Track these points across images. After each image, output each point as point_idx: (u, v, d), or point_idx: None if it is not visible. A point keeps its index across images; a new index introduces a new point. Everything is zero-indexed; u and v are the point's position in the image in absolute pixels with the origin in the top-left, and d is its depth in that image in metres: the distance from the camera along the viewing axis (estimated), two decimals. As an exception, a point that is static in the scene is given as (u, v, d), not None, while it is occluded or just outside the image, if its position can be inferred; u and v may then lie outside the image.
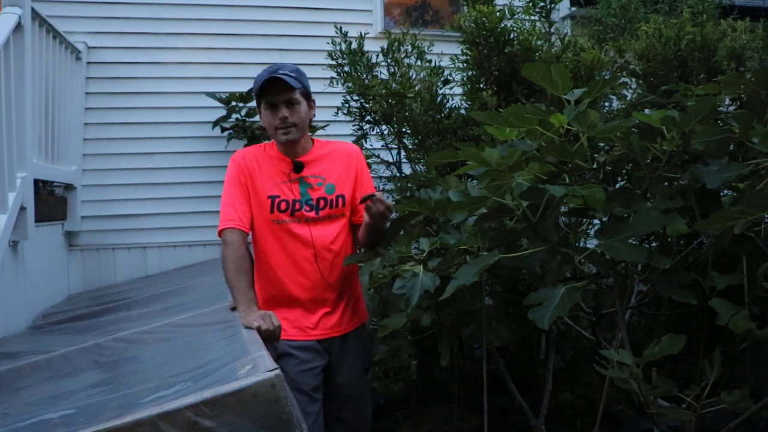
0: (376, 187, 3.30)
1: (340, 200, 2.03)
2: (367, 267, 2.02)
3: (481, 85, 2.89)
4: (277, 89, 1.94)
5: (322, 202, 2.01)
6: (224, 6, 4.05)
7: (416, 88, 2.96)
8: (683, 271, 1.66)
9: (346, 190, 2.04)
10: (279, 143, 2.02)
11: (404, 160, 3.34)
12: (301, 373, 1.94)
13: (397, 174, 3.39)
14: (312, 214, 1.99)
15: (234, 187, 2.00)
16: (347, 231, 2.07)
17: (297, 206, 1.99)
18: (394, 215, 1.97)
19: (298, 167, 2.01)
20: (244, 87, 3.76)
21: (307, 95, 2.02)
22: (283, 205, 1.98)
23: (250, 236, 2.02)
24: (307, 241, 1.98)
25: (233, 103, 3.81)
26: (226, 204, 1.99)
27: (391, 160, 3.44)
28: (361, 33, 3.31)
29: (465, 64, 2.95)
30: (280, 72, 1.94)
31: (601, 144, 2.02)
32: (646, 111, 1.63)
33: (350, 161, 2.08)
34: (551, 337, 2.52)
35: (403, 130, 3.07)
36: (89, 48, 3.82)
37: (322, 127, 3.60)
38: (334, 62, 3.33)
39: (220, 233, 1.97)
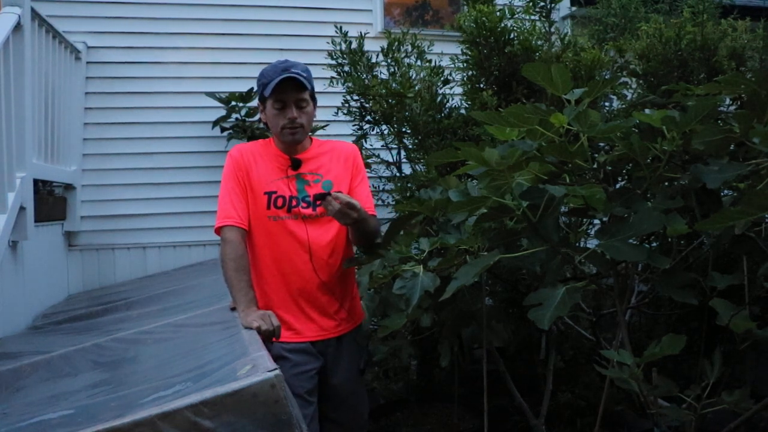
0: (375, 187, 3.30)
1: None
2: (367, 267, 2.02)
3: (481, 85, 2.89)
4: (290, 88, 1.92)
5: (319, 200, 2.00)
6: (224, 6, 4.05)
7: (416, 88, 2.97)
8: (683, 271, 1.66)
9: (344, 187, 2.01)
10: (281, 141, 2.01)
11: (404, 160, 3.34)
12: (296, 376, 1.91)
13: (397, 174, 3.39)
14: (308, 210, 1.97)
15: (231, 183, 1.97)
16: (344, 231, 2.04)
17: (294, 203, 1.97)
18: (354, 213, 1.86)
19: (296, 164, 2.00)
20: (244, 87, 3.76)
21: (314, 96, 2.02)
22: (279, 201, 1.96)
23: None
24: (303, 238, 1.97)
25: (233, 103, 3.81)
26: (223, 201, 1.97)
27: (391, 160, 3.44)
28: (361, 33, 3.31)
29: (465, 64, 2.95)
30: (293, 71, 1.91)
31: (602, 144, 2.02)
32: (647, 111, 1.63)
33: (348, 160, 2.07)
34: (551, 337, 2.52)
35: (403, 130, 3.07)
36: (89, 48, 3.82)
37: (322, 127, 3.60)
38: (334, 62, 3.33)
39: (217, 230, 1.96)
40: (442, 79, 3.09)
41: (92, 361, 1.89)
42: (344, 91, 3.34)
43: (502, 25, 2.81)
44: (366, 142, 3.39)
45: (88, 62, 3.82)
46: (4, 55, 2.53)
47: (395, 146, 3.36)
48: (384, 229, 2.04)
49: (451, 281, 1.60)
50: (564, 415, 2.82)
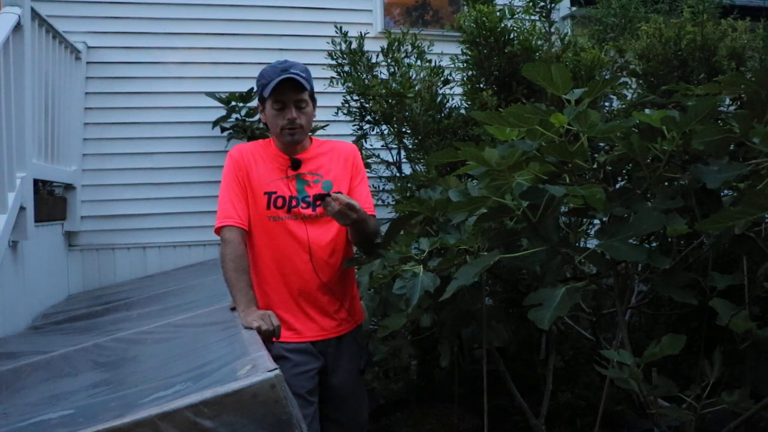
0: (375, 187, 3.30)
1: None
2: (367, 267, 2.01)
3: (481, 85, 2.89)
4: (289, 89, 1.92)
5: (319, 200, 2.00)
6: (224, 6, 4.05)
7: (416, 88, 2.97)
8: (683, 271, 1.66)
9: (344, 188, 2.02)
10: (281, 142, 2.01)
11: (404, 160, 3.34)
12: (296, 376, 1.91)
13: (397, 174, 3.39)
14: (308, 211, 1.98)
15: (231, 183, 1.98)
16: (343, 230, 2.03)
17: (294, 203, 1.97)
18: (356, 214, 1.86)
19: (296, 164, 2.00)
20: (244, 87, 3.76)
21: (313, 96, 2.02)
22: (279, 202, 1.97)
23: None
24: (303, 239, 1.97)
25: (233, 103, 3.81)
26: (223, 201, 1.98)
27: (391, 160, 3.44)
28: (361, 33, 3.31)
29: (465, 64, 2.95)
30: (292, 71, 1.91)
31: (602, 144, 2.02)
32: (647, 111, 1.63)
33: (347, 160, 2.07)
34: (551, 337, 2.52)
35: (403, 130, 3.07)
36: (89, 48, 3.82)
37: (322, 127, 3.60)
38: (334, 62, 3.33)
39: (217, 230, 1.96)
40: (442, 79, 3.09)
41: (92, 361, 1.89)
42: (344, 91, 3.34)
43: (502, 25, 2.81)
44: (366, 142, 3.39)
45: (88, 62, 3.82)
46: (4, 55, 2.53)
47: (395, 146, 3.36)
48: (384, 229, 2.04)
49: (451, 281, 1.60)
50: (564, 415, 2.82)
